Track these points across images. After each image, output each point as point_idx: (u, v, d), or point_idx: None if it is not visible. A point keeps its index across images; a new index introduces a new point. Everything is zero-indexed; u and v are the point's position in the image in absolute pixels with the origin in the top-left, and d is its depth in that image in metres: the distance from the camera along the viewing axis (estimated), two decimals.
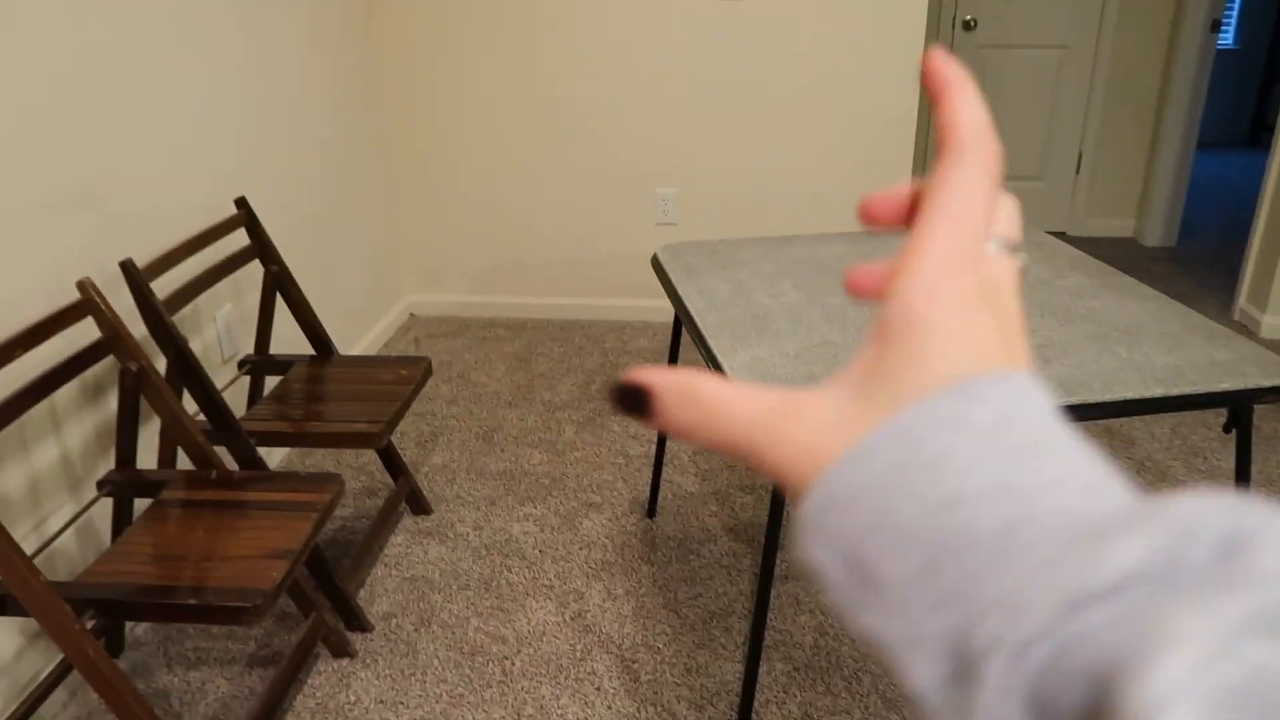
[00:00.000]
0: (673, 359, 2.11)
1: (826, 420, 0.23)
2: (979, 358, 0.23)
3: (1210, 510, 0.18)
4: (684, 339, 3.14)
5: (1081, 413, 1.32)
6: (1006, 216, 0.27)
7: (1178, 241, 4.25)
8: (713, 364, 1.47)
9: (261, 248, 2.10)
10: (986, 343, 0.23)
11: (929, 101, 0.26)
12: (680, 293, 1.72)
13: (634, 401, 0.26)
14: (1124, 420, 2.63)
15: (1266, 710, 0.15)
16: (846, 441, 0.22)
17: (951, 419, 0.21)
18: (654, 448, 2.50)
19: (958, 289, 0.24)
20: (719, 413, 0.25)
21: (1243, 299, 3.35)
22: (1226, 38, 6.25)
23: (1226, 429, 1.49)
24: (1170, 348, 1.44)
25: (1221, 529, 0.17)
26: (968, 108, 0.26)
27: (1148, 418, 2.64)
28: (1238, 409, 1.47)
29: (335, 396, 2.01)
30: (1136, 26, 4.02)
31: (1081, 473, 0.21)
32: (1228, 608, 0.16)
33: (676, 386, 0.26)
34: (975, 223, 0.25)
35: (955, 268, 0.24)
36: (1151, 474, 2.39)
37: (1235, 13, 6.23)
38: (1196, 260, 4.04)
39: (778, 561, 1.91)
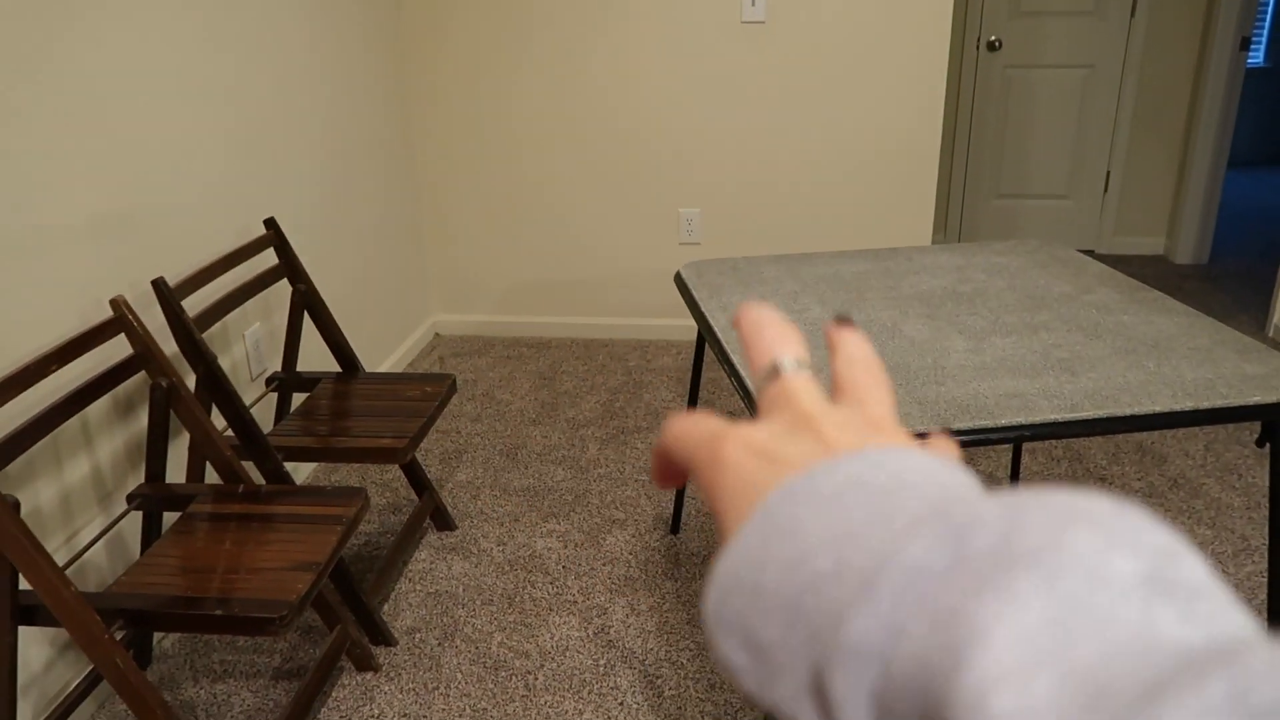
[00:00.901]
0: (696, 376, 2.11)
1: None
2: (859, 438, 0.26)
3: (994, 508, 0.20)
4: (707, 356, 3.14)
5: (1109, 426, 1.30)
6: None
7: (1209, 260, 4.20)
8: (736, 379, 1.47)
9: (290, 267, 2.13)
10: (858, 429, 0.27)
11: (828, 352, 0.32)
12: (703, 309, 1.72)
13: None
14: (1156, 437, 2.60)
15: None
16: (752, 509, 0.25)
17: (803, 493, 0.24)
18: None
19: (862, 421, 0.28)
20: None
21: (1277, 316, 3.30)
22: (1256, 56, 6.19)
23: (1260, 443, 1.46)
24: (1200, 362, 1.42)
25: (1001, 522, 0.20)
26: (854, 344, 0.32)
27: (1180, 435, 2.60)
28: (1271, 423, 1.45)
29: (360, 413, 2.02)
30: (1164, 46, 4.00)
31: (925, 500, 0.22)
32: (1021, 591, 0.18)
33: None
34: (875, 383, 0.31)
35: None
36: (1185, 491, 2.35)
37: (1265, 31, 6.18)
38: (1229, 278, 3.99)
39: None
